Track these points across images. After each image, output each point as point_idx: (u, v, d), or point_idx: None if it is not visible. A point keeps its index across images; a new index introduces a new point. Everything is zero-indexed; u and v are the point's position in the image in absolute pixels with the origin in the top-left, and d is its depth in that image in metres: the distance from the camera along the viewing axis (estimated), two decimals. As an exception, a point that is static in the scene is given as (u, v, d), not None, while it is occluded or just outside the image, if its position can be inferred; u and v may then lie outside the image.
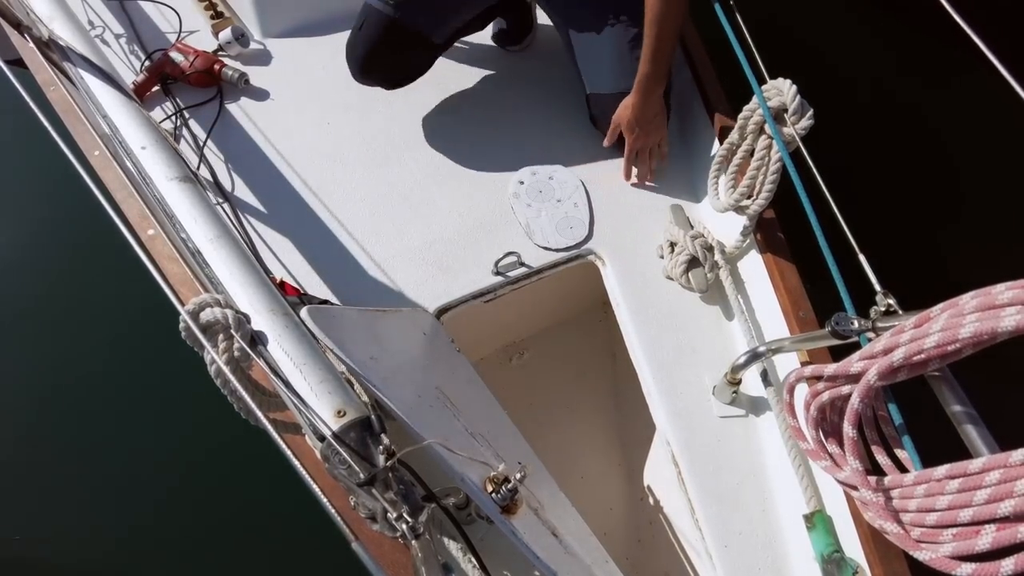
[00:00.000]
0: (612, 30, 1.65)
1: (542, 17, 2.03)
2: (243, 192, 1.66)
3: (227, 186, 1.67)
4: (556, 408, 1.99)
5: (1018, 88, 0.98)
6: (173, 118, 1.77)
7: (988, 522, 0.71)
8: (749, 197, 1.40)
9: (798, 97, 1.23)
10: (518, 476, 0.96)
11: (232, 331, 0.85)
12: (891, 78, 3.20)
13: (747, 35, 1.46)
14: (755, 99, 1.29)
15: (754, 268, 1.50)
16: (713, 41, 1.78)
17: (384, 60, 1.70)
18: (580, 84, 1.78)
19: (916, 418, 0.91)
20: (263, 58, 1.97)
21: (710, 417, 1.37)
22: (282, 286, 1.39)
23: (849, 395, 0.86)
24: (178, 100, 1.81)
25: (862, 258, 1.07)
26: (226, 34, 1.91)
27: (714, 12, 1.52)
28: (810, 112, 1.25)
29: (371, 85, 1.77)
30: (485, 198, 1.69)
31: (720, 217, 1.60)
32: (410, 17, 1.63)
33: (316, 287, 1.50)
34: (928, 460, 0.83)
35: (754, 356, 1.25)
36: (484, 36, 2.03)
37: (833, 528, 1.14)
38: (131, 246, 0.98)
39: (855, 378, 0.88)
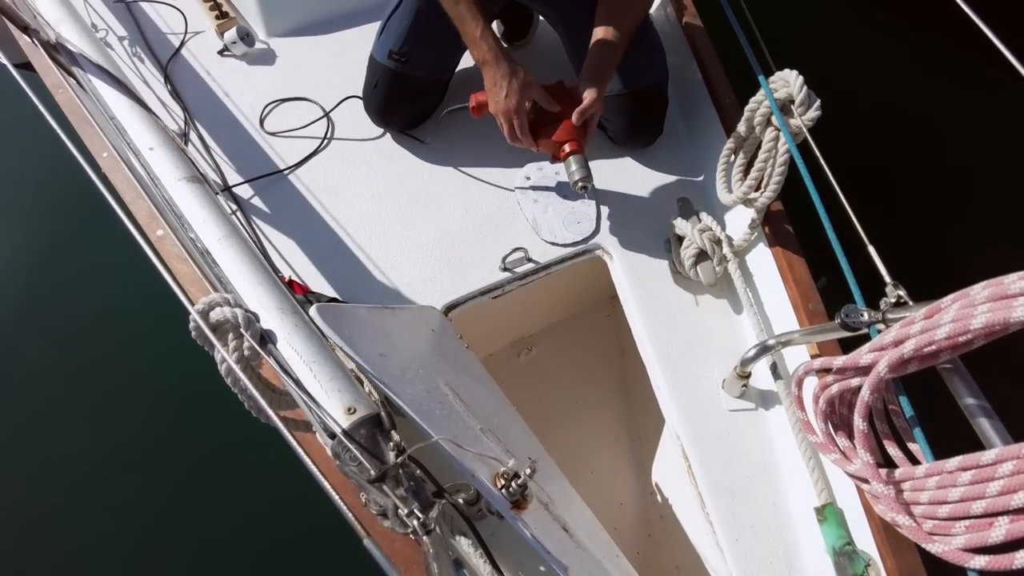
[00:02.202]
0: None
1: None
2: (250, 192, 1.67)
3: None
4: (565, 403, 1.99)
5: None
6: (179, 119, 1.78)
7: (1001, 514, 0.71)
8: (757, 190, 1.40)
9: (805, 88, 1.23)
10: (527, 472, 0.96)
11: (242, 330, 0.85)
12: (899, 68, 3.17)
13: (753, 27, 1.45)
14: (762, 91, 1.29)
15: (763, 261, 1.50)
16: (719, 33, 1.77)
17: (402, 111, 1.78)
18: None
19: (927, 410, 0.91)
20: (268, 58, 1.97)
21: (719, 411, 1.37)
22: (290, 285, 1.40)
23: (859, 387, 0.86)
24: (184, 101, 1.82)
25: (871, 249, 1.07)
26: (231, 34, 1.92)
27: (720, 4, 1.51)
28: (817, 103, 1.24)
29: (392, 130, 1.82)
30: (492, 194, 1.69)
31: (728, 210, 1.59)
32: (417, 68, 1.70)
33: (324, 285, 1.51)
34: (940, 452, 0.83)
35: (763, 349, 1.25)
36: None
37: (844, 521, 1.13)
38: (140, 247, 0.98)
39: (865, 370, 0.87)
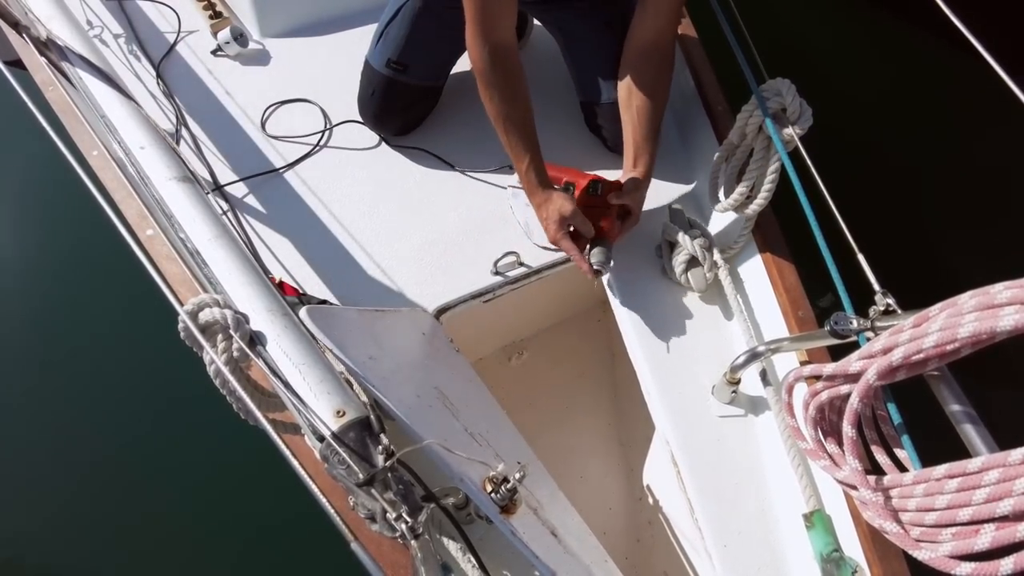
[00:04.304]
0: (604, 41, 1.66)
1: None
2: (242, 192, 1.66)
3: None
4: (555, 408, 1.98)
5: (1016, 89, 0.98)
6: (172, 118, 1.77)
7: (987, 521, 0.71)
8: (748, 197, 1.40)
9: (797, 97, 1.23)
10: (517, 476, 0.96)
11: (231, 331, 0.85)
12: (891, 77, 3.20)
13: (746, 35, 1.46)
14: (754, 99, 1.29)
15: (753, 268, 1.51)
16: (712, 41, 1.78)
17: (397, 117, 1.79)
18: (575, 90, 1.80)
19: (915, 418, 0.91)
20: (262, 58, 1.97)
21: (709, 417, 1.37)
22: (281, 286, 1.39)
23: (848, 395, 0.86)
24: (176, 100, 1.81)
25: (861, 258, 1.07)
26: (225, 34, 1.91)
27: (713, 12, 1.51)
28: (809, 112, 1.25)
29: (387, 135, 1.82)
30: (484, 198, 1.70)
31: (719, 217, 1.60)
32: (415, 76, 1.71)
33: (315, 287, 1.50)
34: (927, 460, 0.83)
35: (753, 356, 1.25)
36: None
37: (832, 527, 1.14)
38: (130, 246, 0.98)
39: (854, 378, 0.88)
